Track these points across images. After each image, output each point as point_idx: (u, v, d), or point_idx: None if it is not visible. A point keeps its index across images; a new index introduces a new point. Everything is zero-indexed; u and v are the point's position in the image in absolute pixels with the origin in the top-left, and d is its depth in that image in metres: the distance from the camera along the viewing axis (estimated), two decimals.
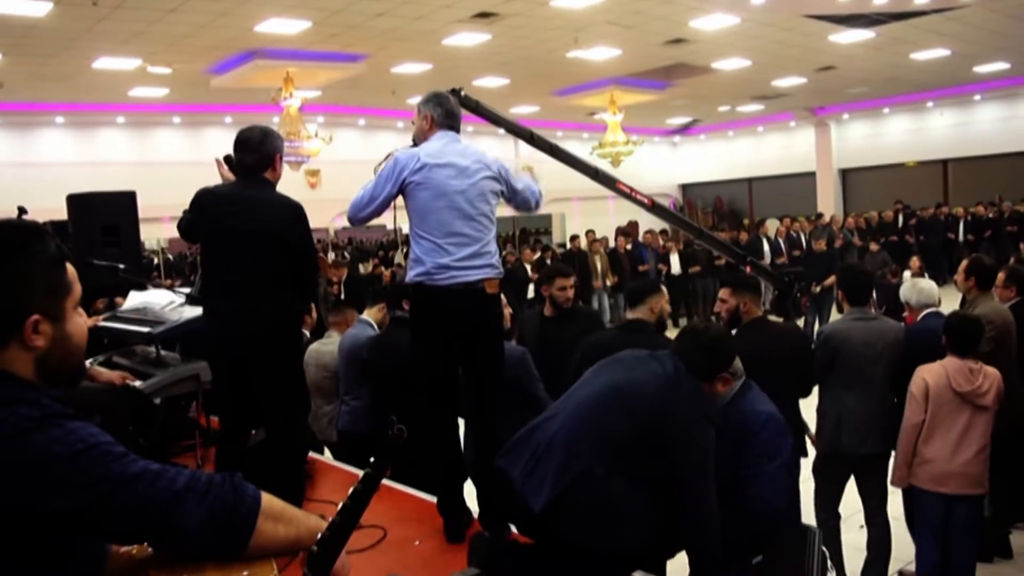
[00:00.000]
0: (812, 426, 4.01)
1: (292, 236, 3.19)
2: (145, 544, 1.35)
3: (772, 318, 4.42)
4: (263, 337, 3.17)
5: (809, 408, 3.88)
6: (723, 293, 3.81)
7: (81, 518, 1.20)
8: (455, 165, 3.12)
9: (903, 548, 4.44)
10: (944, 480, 3.62)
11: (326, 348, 4.77)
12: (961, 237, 15.45)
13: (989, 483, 3.72)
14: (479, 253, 3.12)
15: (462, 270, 3.07)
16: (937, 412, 3.62)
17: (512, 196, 3.36)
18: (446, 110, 3.25)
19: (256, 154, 3.26)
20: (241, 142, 3.27)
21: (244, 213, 3.17)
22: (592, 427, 2.47)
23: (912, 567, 4.33)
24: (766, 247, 13.68)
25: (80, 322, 1.36)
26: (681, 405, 2.47)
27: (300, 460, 3.42)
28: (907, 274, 9.52)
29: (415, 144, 3.32)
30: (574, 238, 14.05)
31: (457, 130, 3.27)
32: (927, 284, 4.33)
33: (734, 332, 3.71)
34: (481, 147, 3.32)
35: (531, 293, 12.51)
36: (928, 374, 3.65)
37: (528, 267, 12.58)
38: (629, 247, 13.79)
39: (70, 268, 1.35)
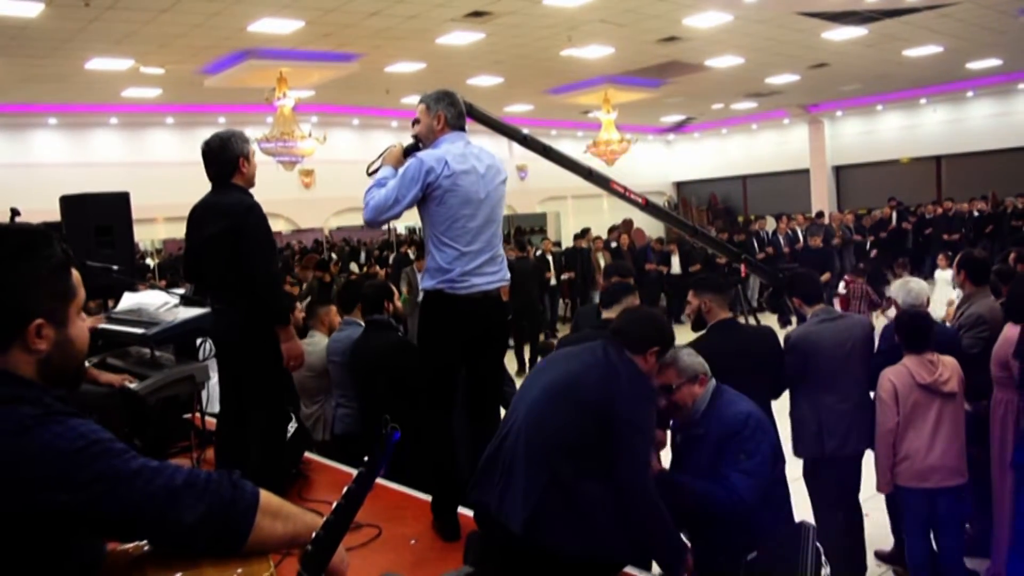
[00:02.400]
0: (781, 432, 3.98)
1: (238, 237, 3.22)
2: (142, 543, 1.36)
3: (767, 315, 4.45)
4: (228, 334, 3.38)
5: (779, 414, 3.84)
6: (689, 295, 3.83)
7: (81, 512, 1.21)
8: (476, 171, 3.12)
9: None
10: (926, 475, 3.66)
11: (310, 348, 4.74)
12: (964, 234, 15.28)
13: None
14: (494, 259, 3.17)
15: (482, 277, 3.11)
16: (908, 409, 3.67)
17: None
18: (458, 111, 3.23)
19: (216, 165, 3.34)
20: (203, 155, 3.36)
21: (207, 220, 3.30)
22: (546, 430, 2.47)
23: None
24: (756, 244, 13.77)
25: (82, 326, 1.38)
26: (622, 387, 2.50)
27: (268, 455, 3.40)
28: (941, 273, 9.46)
29: (417, 142, 3.29)
30: (578, 237, 14.08)
31: (465, 130, 3.26)
32: (917, 285, 4.30)
33: (702, 333, 3.75)
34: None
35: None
36: (892, 375, 3.71)
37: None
38: (629, 245, 13.87)
39: (75, 272, 1.36)
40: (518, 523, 2.38)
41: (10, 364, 1.27)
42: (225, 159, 3.32)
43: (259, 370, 3.32)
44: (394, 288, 4.50)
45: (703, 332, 3.73)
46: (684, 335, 3.51)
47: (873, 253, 14.61)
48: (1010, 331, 3.71)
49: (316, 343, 4.76)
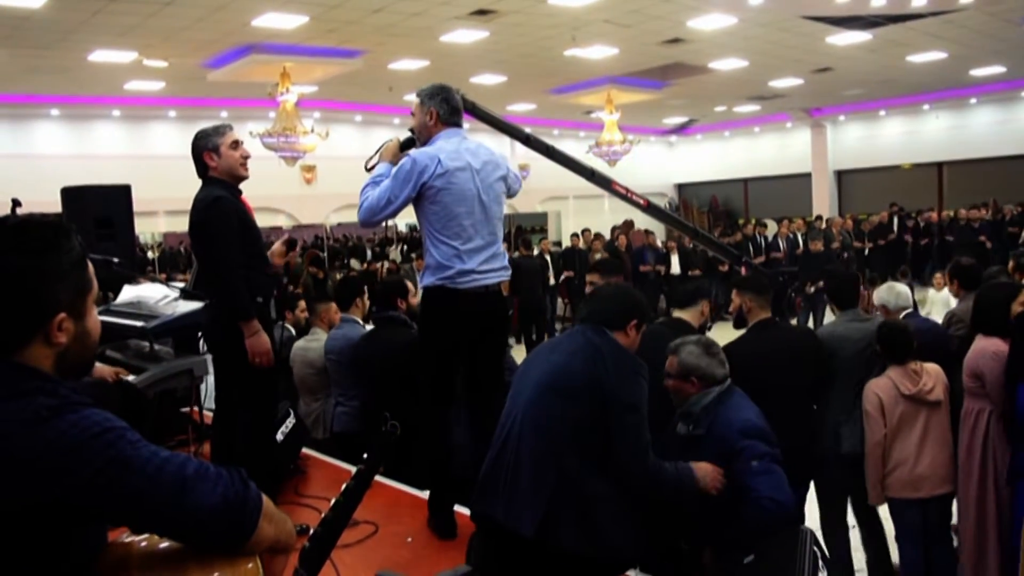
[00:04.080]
0: None
1: (202, 231, 3.23)
2: (137, 539, 1.35)
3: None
4: (213, 330, 3.42)
5: None
6: (732, 293, 3.94)
7: (94, 498, 1.21)
8: (472, 167, 3.10)
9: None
10: (918, 484, 3.66)
11: (312, 345, 4.72)
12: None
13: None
14: (495, 255, 3.17)
15: (482, 274, 3.11)
16: (895, 422, 3.66)
17: (511, 192, 3.38)
18: (452, 106, 3.20)
19: (194, 163, 3.37)
20: None
21: (190, 216, 3.33)
22: (545, 427, 2.47)
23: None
24: (751, 248, 13.79)
25: (97, 318, 1.39)
26: (608, 366, 2.50)
27: (253, 453, 3.32)
28: (936, 293, 9.28)
29: (413, 136, 3.28)
30: (574, 236, 14.08)
31: (461, 126, 3.25)
32: (902, 288, 4.38)
33: (743, 332, 3.81)
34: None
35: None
36: (878, 388, 3.70)
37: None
38: (627, 246, 13.85)
39: (89, 264, 1.38)
40: (529, 526, 2.36)
41: (29, 358, 1.27)
42: (195, 157, 3.34)
43: (241, 366, 3.29)
44: (410, 285, 4.47)
45: (744, 331, 3.80)
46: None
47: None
48: (980, 343, 3.68)
49: (317, 340, 4.74)
